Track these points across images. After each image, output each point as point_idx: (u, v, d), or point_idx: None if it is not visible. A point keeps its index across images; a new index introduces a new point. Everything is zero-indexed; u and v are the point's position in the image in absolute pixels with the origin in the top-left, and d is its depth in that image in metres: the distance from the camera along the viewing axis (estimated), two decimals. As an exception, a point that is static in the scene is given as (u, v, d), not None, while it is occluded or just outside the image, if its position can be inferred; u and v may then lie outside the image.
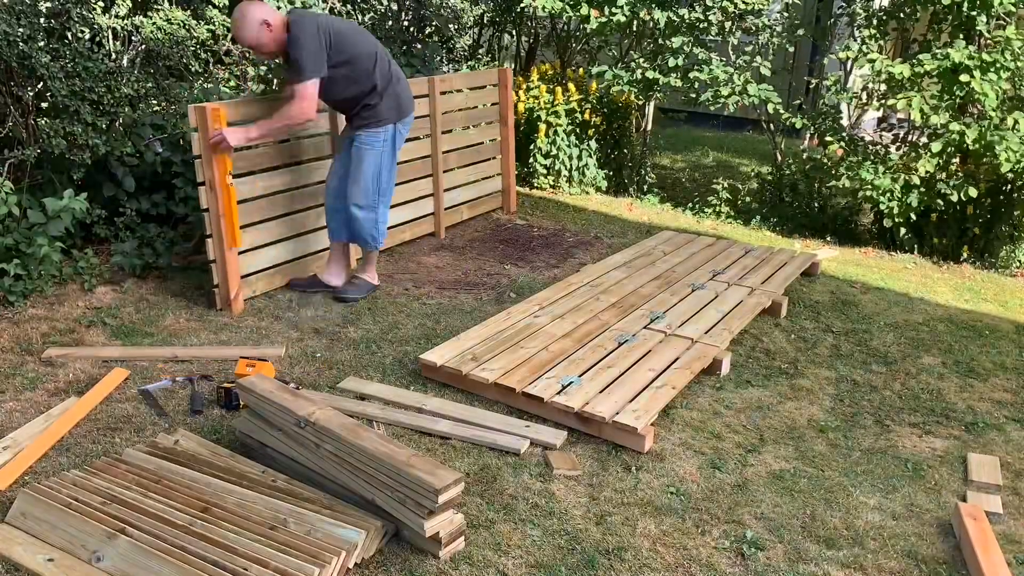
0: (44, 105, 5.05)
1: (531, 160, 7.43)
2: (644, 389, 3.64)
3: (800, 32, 6.88)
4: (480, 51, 9.09)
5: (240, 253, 4.54)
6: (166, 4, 5.22)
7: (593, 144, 7.44)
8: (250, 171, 4.61)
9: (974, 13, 5.55)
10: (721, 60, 6.73)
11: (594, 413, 3.41)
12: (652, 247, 5.64)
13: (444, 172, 6.04)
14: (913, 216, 5.90)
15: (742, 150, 9.77)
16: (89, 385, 3.69)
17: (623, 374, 3.77)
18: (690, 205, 7.15)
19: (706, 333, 4.24)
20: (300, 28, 4.21)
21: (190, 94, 5.56)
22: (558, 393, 3.56)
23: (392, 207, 5.65)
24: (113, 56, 5.00)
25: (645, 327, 4.28)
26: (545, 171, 7.44)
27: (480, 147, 6.40)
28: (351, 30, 4.45)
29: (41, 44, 4.68)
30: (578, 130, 7.41)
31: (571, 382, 3.64)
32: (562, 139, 7.34)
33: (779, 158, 7.09)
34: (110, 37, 5.08)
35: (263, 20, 4.16)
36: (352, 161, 4.61)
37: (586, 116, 7.35)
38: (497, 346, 4.01)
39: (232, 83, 6.17)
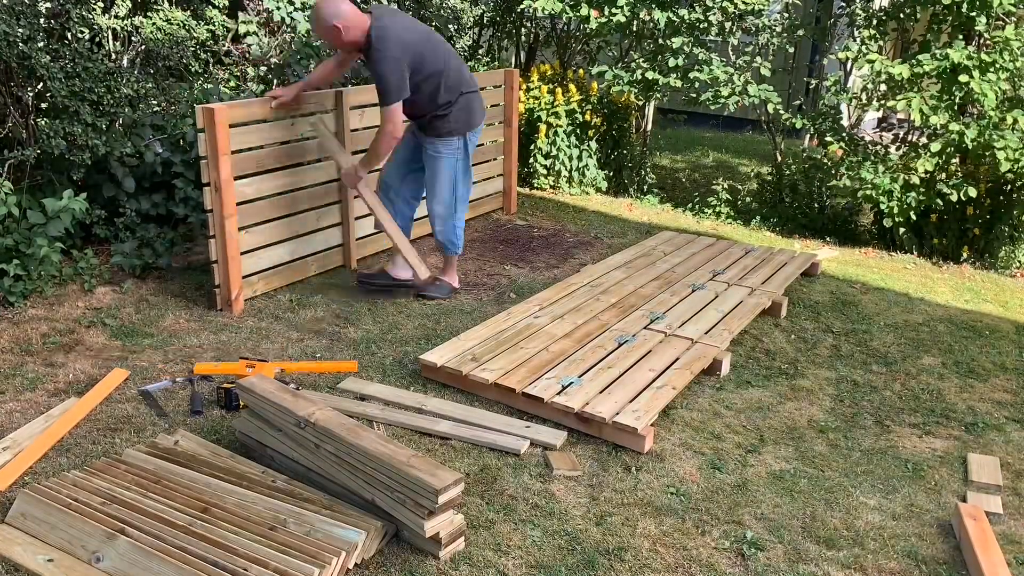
0: (44, 105, 5.05)
1: (531, 160, 7.43)
2: (644, 389, 3.64)
3: (800, 32, 6.88)
4: (480, 51, 9.09)
5: (242, 253, 4.54)
6: (166, 4, 5.21)
7: (593, 144, 7.44)
8: (252, 172, 4.61)
9: (973, 13, 5.55)
10: (721, 60, 6.73)
11: (594, 413, 3.41)
12: (652, 247, 5.64)
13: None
14: (913, 216, 5.90)
15: (742, 150, 9.78)
16: (89, 385, 3.69)
17: (623, 374, 3.77)
18: (690, 205, 7.15)
19: (706, 333, 4.24)
20: (385, 46, 4.19)
21: (190, 94, 5.56)
22: (558, 394, 3.56)
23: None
24: (113, 56, 4.99)
25: (645, 327, 4.28)
26: (545, 171, 7.44)
27: (483, 148, 6.39)
28: (429, 47, 4.40)
29: (41, 44, 4.68)
30: (578, 130, 7.41)
31: (571, 382, 3.64)
32: (562, 139, 7.34)
33: (779, 158, 7.09)
34: (110, 37, 5.08)
35: (333, 24, 4.18)
36: (427, 169, 4.67)
37: (586, 117, 7.35)
38: (497, 346, 4.01)
39: (232, 83, 6.17)
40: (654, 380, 3.73)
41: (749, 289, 4.85)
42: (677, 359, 3.96)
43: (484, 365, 3.80)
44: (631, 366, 3.85)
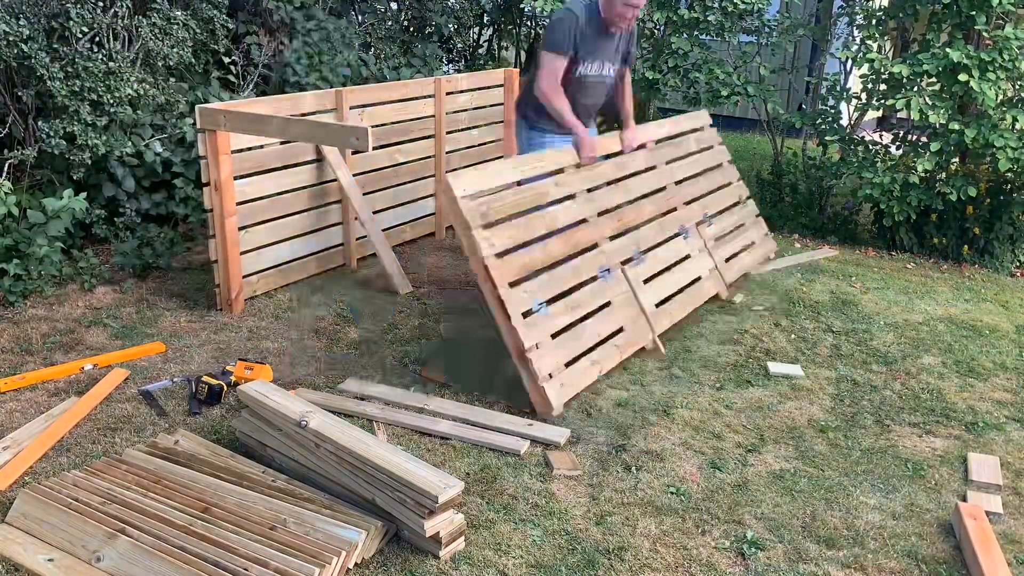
0: (44, 105, 5.05)
1: (531, 160, 7.41)
2: (583, 355, 3.82)
3: (800, 32, 6.88)
4: (480, 51, 9.09)
5: (242, 253, 4.54)
6: (166, 4, 5.21)
7: (593, 144, 7.42)
8: (254, 171, 4.60)
9: (973, 12, 5.55)
10: (721, 60, 6.73)
11: (535, 365, 3.56)
12: (688, 137, 5.48)
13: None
14: (913, 216, 5.90)
15: (742, 150, 9.77)
16: (89, 385, 3.69)
17: (578, 323, 3.90)
18: (690, 205, 7.15)
19: (656, 306, 4.39)
20: None
21: (190, 94, 5.56)
22: (524, 315, 3.65)
23: (393, 207, 5.68)
24: (113, 56, 4.99)
25: (623, 264, 4.32)
26: (545, 171, 7.42)
27: (483, 148, 6.39)
28: None
29: (41, 44, 4.68)
30: (578, 130, 7.38)
31: (539, 308, 3.75)
32: (562, 139, 7.33)
33: (779, 158, 7.09)
34: (110, 37, 5.08)
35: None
36: None
37: (586, 116, 7.33)
38: (508, 211, 3.87)
39: (231, 83, 6.17)
40: (595, 347, 3.91)
41: (713, 265, 4.98)
42: (621, 330, 4.09)
43: (491, 232, 3.72)
44: (589, 314, 3.98)
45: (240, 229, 4.51)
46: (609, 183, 4.56)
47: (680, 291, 4.63)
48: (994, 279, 5.69)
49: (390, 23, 7.50)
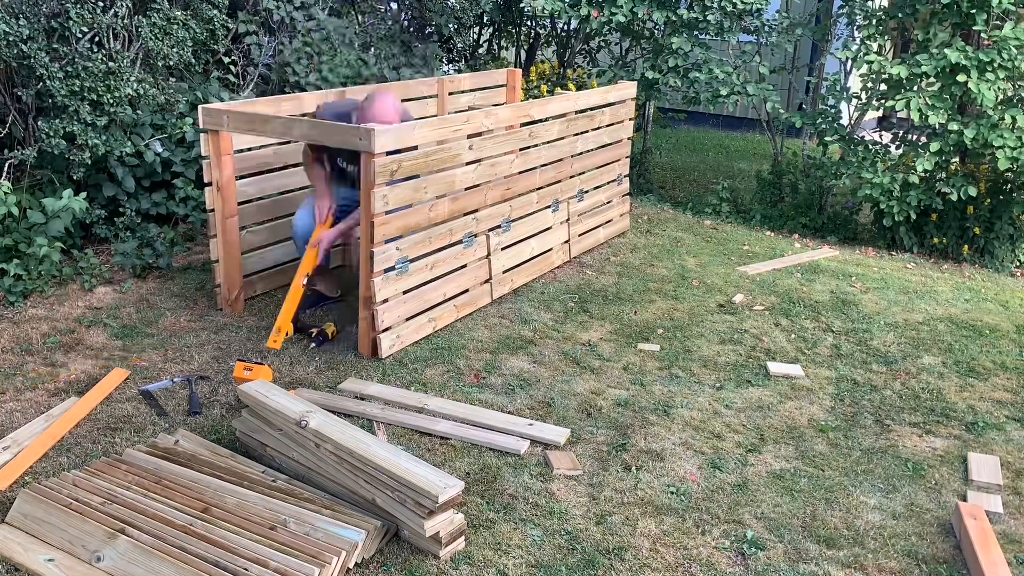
0: (44, 105, 5.05)
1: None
2: (423, 312, 4.17)
3: (800, 32, 6.88)
4: (480, 50, 9.08)
5: (243, 253, 4.53)
6: (166, 4, 5.21)
7: (593, 144, 7.42)
8: (254, 172, 4.60)
9: (972, 12, 5.56)
10: (721, 60, 6.73)
11: (379, 318, 3.89)
12: (605, 107, 5.69)
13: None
14: (913, 215, 5.90)
15: (742, 150, 9.77)
16: (89, 385, 3.69)
17: (430, 283, 4.22)
18: (690, 205, 7.15)
19: (504, 272, 4.76)
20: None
21: (190, 94, 5.56)
22: (386, 271, 3.91)
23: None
24: (113, 56, 5.00)
25: (489, 231, 4.62)
26: (545, 171, 7.42)
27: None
28: None
29: (41, 44, 4.69)
30: (578, 130, 7.39)
31: (402, 265, 4.01)
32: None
33: (779, 158, 7.09)
34: (110, 37, 5.08)
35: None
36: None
37: (586, 116, 7.33)
38: (416, 169, 4.03)
39: (231, 83, 6.17)
40: (435, 306, 4.24)
41: (567, 238, 5.35)
42: (465, 291, 4.44)
43: (389, 188, 3.84)
44: (441, 276, 4.29)
45: (241, 229, 4.51)
46: (520, 150, 4.82)
47: (530, 259, 5.03)
48: (994, 279, 5.69)
49: (390, 23, 7.50)
